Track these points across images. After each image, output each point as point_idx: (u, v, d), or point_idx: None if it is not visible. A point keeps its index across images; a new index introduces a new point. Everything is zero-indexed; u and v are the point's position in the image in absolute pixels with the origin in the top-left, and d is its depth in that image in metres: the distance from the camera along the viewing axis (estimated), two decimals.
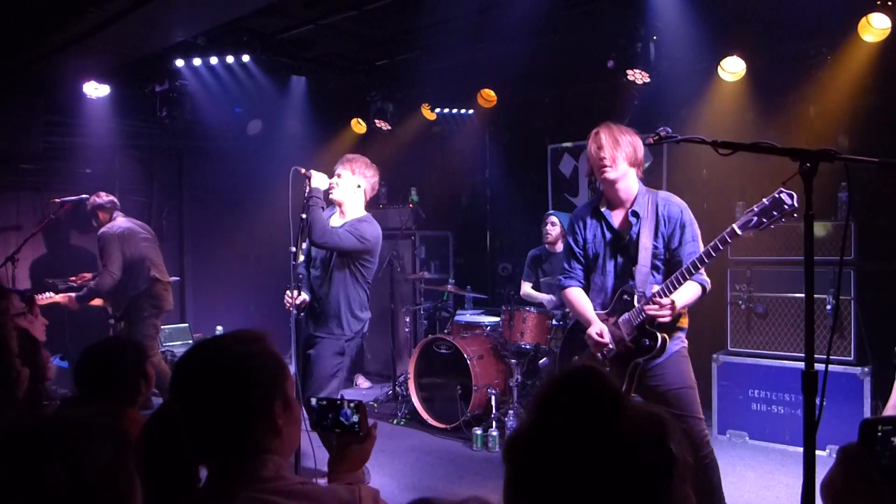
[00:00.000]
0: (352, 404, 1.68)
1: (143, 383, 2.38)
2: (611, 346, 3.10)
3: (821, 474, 1.73)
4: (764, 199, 2.65)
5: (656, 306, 2.94)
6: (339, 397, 1.75)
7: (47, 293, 5.32)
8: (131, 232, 5.51)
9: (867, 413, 4.60)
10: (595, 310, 3.22)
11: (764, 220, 2.64)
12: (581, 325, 3.28)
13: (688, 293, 3.01)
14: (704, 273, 3.03)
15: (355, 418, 1.67)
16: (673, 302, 2.93)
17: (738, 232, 2.74)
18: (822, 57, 5.25)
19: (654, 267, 3.12)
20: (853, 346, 4.76)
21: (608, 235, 3.22)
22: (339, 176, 4.14)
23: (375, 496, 1.45)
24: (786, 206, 2.59)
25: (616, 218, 3.22)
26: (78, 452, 1.16)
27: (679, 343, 3.13)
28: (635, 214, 3.15)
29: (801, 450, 1.77)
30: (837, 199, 4.87)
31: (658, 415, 1.03)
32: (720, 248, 2.81)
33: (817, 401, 1.76)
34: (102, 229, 5.47)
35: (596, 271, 3.27)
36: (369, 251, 4.09)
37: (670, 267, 3.11)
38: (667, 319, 2.95)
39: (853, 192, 4.72)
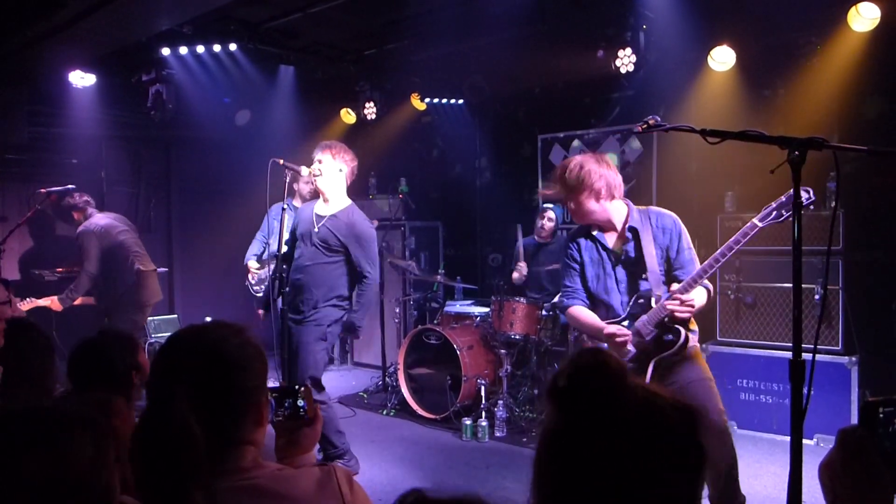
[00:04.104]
0: (300, 389, 1.69)
1: (136, 374, 2.34)
2: (630, 349, 3.04)
3: (808, 463, 1.74)
4: (782, 197, 2.74)
5: (677, 302, 2.92)
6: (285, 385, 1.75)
7: (29, 298, 5.23)
8: (108, 227, 5.56)
9: (854, 402, 4.63)
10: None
11: (783, 212, 2.72)
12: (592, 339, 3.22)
13: (701, 295, 3.05)
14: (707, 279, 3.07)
15: (302, 402, 1.68)
16: (693, 300, 2.94)
17: (759, 224, 2.78)
18: (812, 46, 5.25)
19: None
20: (841, 336, 4.79)
21: (604, 255, 3.21)
22: (320, 162, 4.14)
23: (349, 476, 1.45)
24: (803, 201, 2.69)
25: (610, 239, 3.21)
26: (61, 445, 1.14)
27: (693, 342, 3.11)
28: (633, 230, 3.14)
29: (788, 439, 1.78)
30: (826, 189, 4.89)
31: (690, 406, 1.00)
32: (741, 240, 2.82)
33: (805, 390, 1.76)
34: (80, 227, 5.53)
35: (599, 292, 3.23)
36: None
37: (670, 276, 3.12)
38: (687, 316, 2.95)
39: (841, 182, 4.72)
